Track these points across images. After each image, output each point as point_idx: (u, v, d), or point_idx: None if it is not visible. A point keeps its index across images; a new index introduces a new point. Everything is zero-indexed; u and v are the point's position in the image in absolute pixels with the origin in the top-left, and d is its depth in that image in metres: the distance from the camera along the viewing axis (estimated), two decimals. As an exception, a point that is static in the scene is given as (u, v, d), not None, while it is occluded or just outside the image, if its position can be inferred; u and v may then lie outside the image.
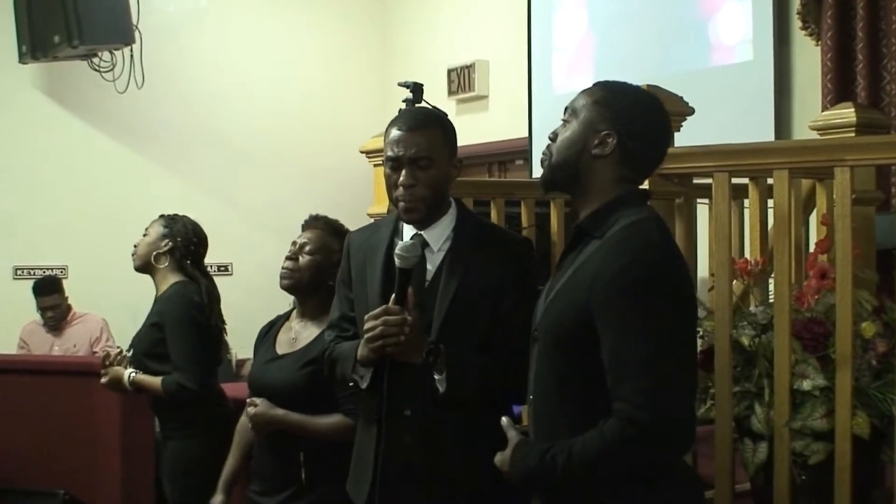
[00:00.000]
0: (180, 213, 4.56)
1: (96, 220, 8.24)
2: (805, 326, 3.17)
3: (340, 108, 9.21)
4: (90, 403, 5.83)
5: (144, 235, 4.47)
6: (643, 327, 2.34)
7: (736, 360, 3.26)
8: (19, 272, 7.95)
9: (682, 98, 3.61)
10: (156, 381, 4.22)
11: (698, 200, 3.80)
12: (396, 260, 2.88)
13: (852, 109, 3.49)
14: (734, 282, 3.42)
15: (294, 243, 3.71)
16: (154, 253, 4.40)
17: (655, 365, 2.33)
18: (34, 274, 7.71)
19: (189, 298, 4.30)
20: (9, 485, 5.69)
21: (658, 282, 2.38)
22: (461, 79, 8.61)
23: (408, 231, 3.05)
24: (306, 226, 3.76)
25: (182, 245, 4.42)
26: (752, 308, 3.41)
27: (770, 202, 3.51)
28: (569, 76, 7.46)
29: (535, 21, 7.90)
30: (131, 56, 7.85)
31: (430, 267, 3.02)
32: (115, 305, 7.21)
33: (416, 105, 4.48)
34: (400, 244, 2.93)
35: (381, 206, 4.02)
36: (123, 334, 5.78)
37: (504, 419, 2.62)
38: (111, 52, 7.88)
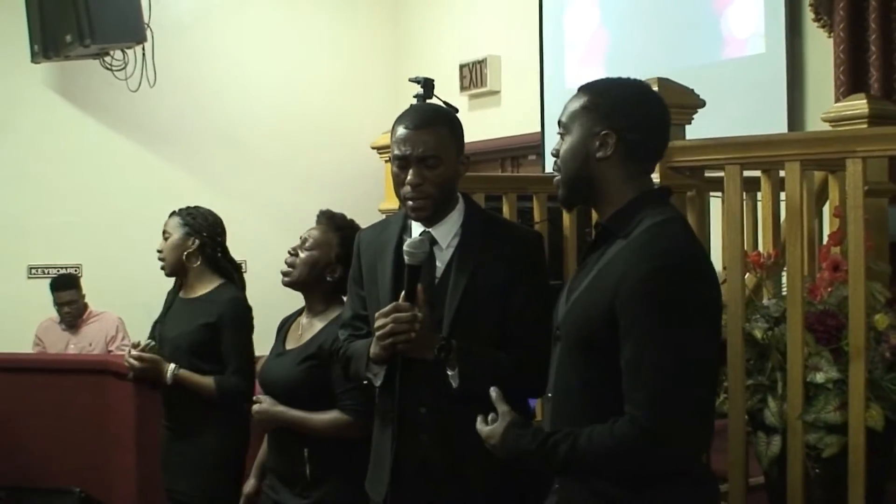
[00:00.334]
0: (191, 206, 4.50)
1: (110, 218, 8.27)
2: (818, 319, 3.16)
3: (352, 105, 9.21)
4: (105, 402, 5.87)
5: (165, 237, 4.38)
6: (664, 333, 2.33)
7: (749, 353, 3.25)
8: (34, 271, 7.98)
9: (692, 91, 3.59)
10: (206, 380, 4.19)
11: (711, 194, 3.79)
12: (405, 257, 2.89)
13: (865, 101, 3.48)
14: (747, 275, 3.41)
15: (300, 238, 3.73)
16: (184, 254, 4.33)
17: (672, 373, 2.32)
18: (48, 273, 7.73)
19: (243, 302, 4.28)
20: (25, 483, 5.71)
21: (683, 288, 2.36)
22: (473, 74, 8.60)
23: (416, 228, 3.06)
24: (317, 221, 3.78)
25: (209, 238, 4.35)
26: (764, 301, 3.40)
27: (782, 195, 3.50)
28: (581, 70, 7.44)
29: (547, 16, 7.89)
30: (143, 54, 7.87)
31: (440, 264, 3.02)
32: (130, 304, 7.21)
33: (426, 101, 4.46)
34: (408, 241, 2.93)
35: (393, 202, 4.00)
36: (139, 332, 5.79)
37: (493, 390, 2.62)
38: (123, 51, 7.89)
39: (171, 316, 4.42)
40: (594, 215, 3.77)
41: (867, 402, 2.98)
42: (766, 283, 3.46)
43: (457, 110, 3.58)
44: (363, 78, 9.39)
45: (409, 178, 2.96)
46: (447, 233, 3.04)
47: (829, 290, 3.25)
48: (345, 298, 3.83)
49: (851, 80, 5.56)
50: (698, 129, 3.63)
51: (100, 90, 8.22)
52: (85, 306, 7.39)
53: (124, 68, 7.94)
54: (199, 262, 4.34)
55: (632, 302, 2.35)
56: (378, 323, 2.89)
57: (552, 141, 2.66)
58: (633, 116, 2.51)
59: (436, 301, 2.96)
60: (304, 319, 3.79)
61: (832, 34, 5.74)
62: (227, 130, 8.79)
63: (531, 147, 8.10)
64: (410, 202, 2.99)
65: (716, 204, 3.76)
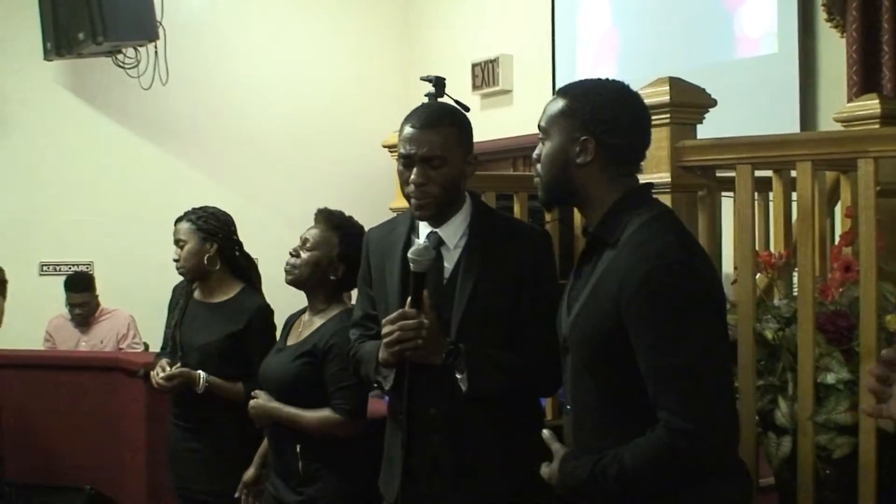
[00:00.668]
0: (198, 207, 4.42)
1: (122, 215, 8.28)
2: (829, 319, 3.15)
3: (364, 103, 9.21)
4: (116, 399, 5.87)
5: (180, 245, 4.30)
6: (677, 333, 2.32)
7: (760, 353, 3.25)
8: (45, 268, 7.99)
9: (704, 90, 3.58)
10: (236, 386, 4.15)
11: (723, 194, 3.78)
12: (410, 264, 2.87)
13: (877, 101, 3.48)
14: (758, 275, 3.40)
15: (300, 238, 3.74)
16: (205, 258, 4.26)
17: (695, 370, 2.31)
18: (60, 270, 7.74)
19: (268, 308, 4.24)
20: (35, 479, 5.72)
21: (684, 284, 2.35)
22: (485, 73, 8.60)
23: (424, 228, 3.05)
24: (315, 220, 3.79)
25: (225, 239, 4.30)
26: (775, 301, 3.40)
27: (794, 194, 3.49)
28: (593, 70, 7.43)
29: (559, 15, 7.89)
30: (155, 52, 7.87)
31: (447, 265, 3.01)
32: (141, 301, 7.22)
33: (437, 100, 4.46)
34: (413, 247, 2.92)
35: (403, 200, 4.01)
36: (150, 330, 5.81)
37: (546, 432, 2.60)
38: (135, 49, 7.89)
39: (192, 321, 4.35)
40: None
41: (878, 403, 2.97)
42: (778, 284, 3.46)
43: (468, 109, 3.58)
44: (375, 77, 9.39)
45: (412, 177, 2.95)
46: (454, 233, 3.02)
47: (841, 290, 3.24)
48: (348, 296, 3.85)
49: (864, 80, 5.55)
50: (710, 128, 3.62)
51: (112, 88, 8.23)
52: (97, 305, 7.39)
53: (137, 66, 7.94)
54: (219, 266, 4.29)
55: (637, 306, 2.34)
56: (385, 330, 2.89)
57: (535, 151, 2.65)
58: (611, 120, 2.49)
59: (443, 302, 2.95)
60: (305, 317, 3.82)
61: (845, 34, 5.73)
62: (238, 128, 8.80)
63: (543, 146, 8.08)
64: (414, 201, 2.98)
65: (727, 204, 3.75)
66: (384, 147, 4.51)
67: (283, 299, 3.94)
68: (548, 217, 4.26)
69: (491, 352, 2.94)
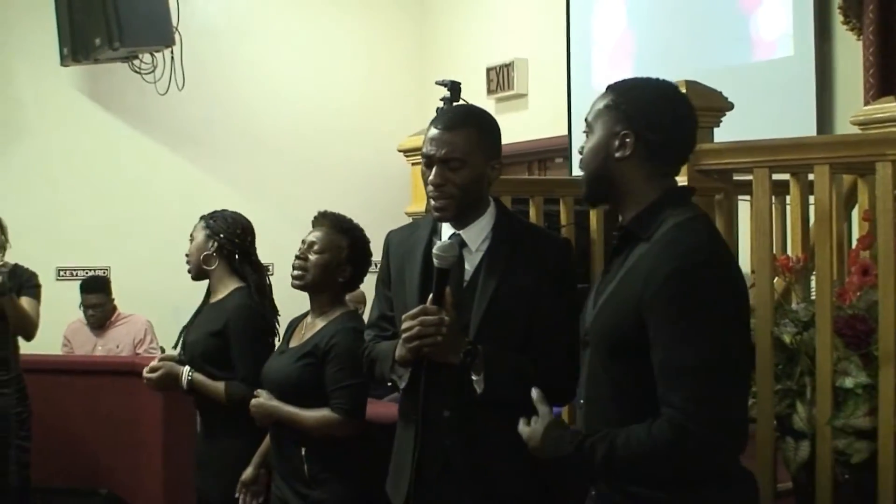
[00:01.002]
0: (219, 210, 4.46)
1: (139, 220, 8.30)
2: (847, 323, 3.14)
3: (379, 108, 9.22)
4: (133, 403, 5.89)
5: (191, 240, 4.38)
6: (695, 333, 2.32)
7: (777, 357, 3.24)
8: (62, 273, 8.01)
9: (721, 93, 3.58)
10: (217, 385, 4.16)
11: (739, 197, 3.77)
12: (434, 260, 2.88)
13: (895, 104, 3.46)
14: (775, 279, 3.39)
15: (303, 242, 3.75)
16: (202, 255, 4.30)
17: (707, 372, 2.31)
18: (77, 275, 7.76)
19: (253, 309, 4.22)
20: (52, 483, 5.74)
21: (710, 285, 2.35)
22: (500, 77, 8.60)
23: (446, 230, 3.05)
24: (315, 223, 3.82)
25: (227, 240, 4.30)
26: (793, 305, 3.38)
27: (811, 198, 3.48)
28: (608, 73, 7.42)
29: (574, 18, 7.88)
30: (172, 58, 7.89)
31: (469, 267, 3.01)
32: (158, 306, 7.24)
33: (451, 104, 4.45)
34: (438, 244, 2.93)
35: (419, 204, 4.02)
36: (167, 335, 5.81)
37: (535, 391, 2.60)
38: (152, 54, 7.91)
39: (197, 321, 4.41)
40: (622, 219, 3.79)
41: (897, 408, 2.96)
42: (795, 288, 3.44)
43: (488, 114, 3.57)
44: (389, 81, 9.40)
45: (431, 177, 2.96)
46: (477, 236, 3.03)
47: (859, 294, 3.23)
48: (349, 298, 3.87)
49: (881, 83, 5.53)
50: (726, 131, 3.62)
51: (128, 93, 8.26)
52: (113, 309, 7.41)
53: (153, 71, 7.96)
54: (216, 265, 4.31)
55: (659, 302, 2.34)
56: (405, 325, 2.89)
57: (579, 143, 2.66)
58: (654, 117, 2.50)
59: (463, 304, 2.95)
60: (308, 319, 3.84)
61: (861, 37, 5.71)
62: (254, 133, 8.82)
63: (558, 150, 8.09)
64: (432, 202, 2.99)
65: (744, 207, 3.74)
66: (399, 151, 4.51)
67: (296, 303, 3.94)
68: (564, 221, 4.26)
69: (509, 355, 2.94)
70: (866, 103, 5.24)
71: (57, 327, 7.34)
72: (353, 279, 3.82)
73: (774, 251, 3.52)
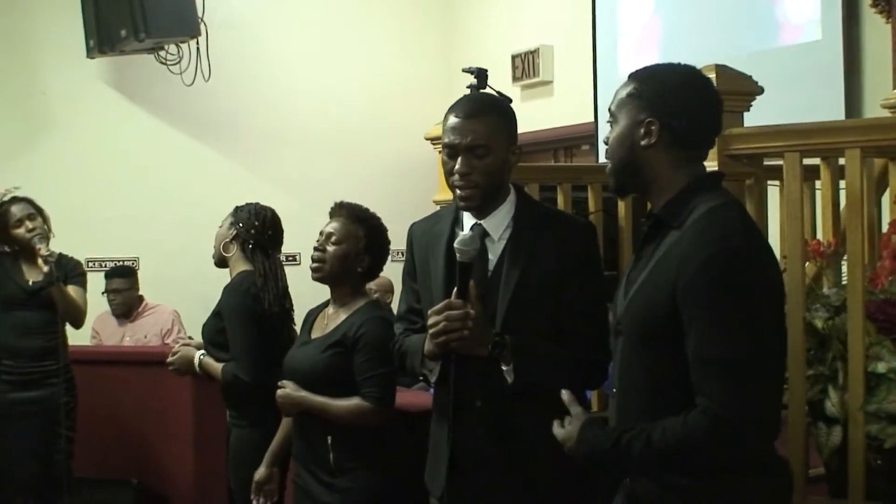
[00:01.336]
0: (251, 202, 4.56)
1: (166, 211, 8.33)
2: (879, 308, 3.13)
3: (405, 96, 9.21)
4: (162, 393, 5.91)
5: (219, 228, 4.50)
6: (730, 321, 2.31)
7: (809, 342, 3.23)
8: (91, 264, 8.00)
9: (750, 77, 3.56)
10: (218, 367, 4.28)
11: (768, 182, 3.76)
12: (456, 254, 2.88)
13: (926, 87, 3.44)
14: (807, 264, 3.38)
15: (321, 233, 3.76)
16: (222, 243, 4.43)
17: (742, 361, 2.30)
18: (105, 266, 7.79)
19: (246, 289, 4.30)
20: (82, 474, 5.77)
21: (744, 273, 2.33)
22: (525, 65, 8.57)
23: (468, 220, 3.05)
24: (332, 214, 3.83)
25: (243, 230, 4.40)
26: (825, 290, 3.37)
27: (841, 183, 3.46)
28: (635, 59, 7.39)
29: (600, 4, 7.85)
30: (197, 49, 7.91)
31: (492, 257, 3.01)
32: (186, 297, 7.27)
33: (478, 91, 4.45)
34: (458, 238, 2.92)
35: (446, 192, 4.00)
36: (195, 326, 5.83)
37: (565, 393, 2.60)
38: (177, 46, 7.93)
39: None
40: (649, 206, 3.77)
41: (930, 392, 2.95)
42: (826, 273, 3.43)
43: (510, 100, 3.57)
44: (416, 70, 9.39)
45: (457, 166, 2.95)
46: (499, 225, 3.02)
47: (890, 278, 3.22)
48: (375, 286, 3.87)
49: (910, 66, 5.50)
50: (754, 116, 3.60)
51: (155, 85, 8.27)
52: (140, 299, 7.45)
53: (179, 62, 7.97)
54: (233, 253, 4.42)
55: (693, 291, 2.32)
56: (430, 321, 2.89)
57: (605, 130, 2.64)
58: (677, 103, 2.49)
59: (489, 294, 2.95)
60: (330, 310, 3.85)
61: (890, 20, 5.68)
62: (280, 123, 8.82)
63: (584, 137, 8.07)
64: (459, 191, 2.98)
65: (772, 192, 3.72)
66: (426, 139, 4.52)
67: (324, 292, 3.95)
68: (592, 208, 4.25)
69: (537, 343, 2.94)
70: (895, 87, 5.21)
71: (87, 318, 7.37)
72: (372, 269, 3.83)
73: (805, 236, 3.50)
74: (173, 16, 7.42)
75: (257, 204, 4.51)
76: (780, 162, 3.38)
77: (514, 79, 8.58)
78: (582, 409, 2.56)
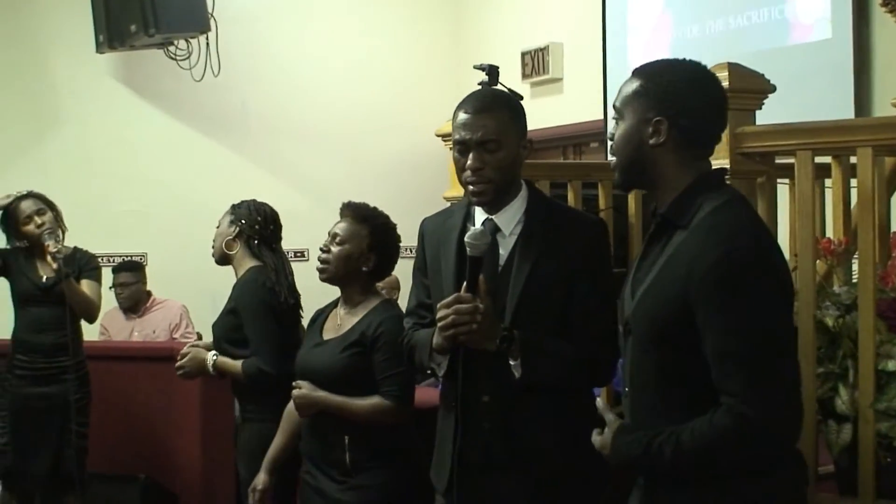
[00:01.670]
0: (248, 199, 4.58)
1: (175, 207, 8.34)
2: (890, 306, 3.14)
3: (415, 93, 9.21)
4: (171, 389, 5.92)
5: (217, 227, 4.51)
6: (747, 319, 2.30)
7: (820, 340, 3.24)
8: (99, 259, 8.05)
9: (763, 76, 3.57)
10: (236, 364, 4.27)
11: (777, 181, 3.76)
12: (467, 248, 2.88)
13: (937, 86, 3.44)
14: (817, 262, 3.38)
15: (329, 234, 3.78)
16: (225, 241, 4.43)
17: (761, 358, 2.30)
18: (113, 261, 7.80)
19: (262, 283, 4.33)
20: (90, 469, 5.78)
21: (757, 269, 2.33)
22: (535, 62, 8.56)
23: (479, 216, 3.06)
24: (340, 214, 3.84)
25: (247, 226, 4.43)
26: (835, 288, 3.38)
27: (852, 181, 3.47)
28: (644, 57, 7.28)
29: (610, 2, 7.83)
30: (207, 44, 7.92)
31: (503, 252, 3.02)
32: (195, 292, 7.28)
33: (484, 87, 4.46)
34: (469, 232, 2.92)
35: (457, 189, 4.02)
36: (203, 321, 5.85)
37: (600, 401, 2.60)
38: (187, 41, 7.94)
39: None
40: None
41: (941, 391, 2.96)
42: (837, 271, 3.44)
43: (521, 97, 3.58)
44: (425, 66, 9.39)
45: (469, 162, 2.96)
46: (510, 220, 3.03)
47: (901, 276, 3.22)
48: (382, 284, 3.88)
49: (920, 66, 5.50)
50: (763, 115, 3.60)
51: (164, 80, 8.28)
52: (147, 294, 7.47)
53: (188, 58, 7.99)
54: (236, 250, 4.43)
55: (707, 290, 2.32)
56: (439, 314, 2.89)
57: (610, 129, 2.64)
58: (685, 101, 2.47)
59: (498, 289, 2.95)
60: (341, 311, 3.85)
61: (900, 19, 5.67)
62: (289, 119, 8.83)
63: (593, 134, 8.07)
64: (471, 186, 2.99)
65: (782, 191, 3.73)
66: (437, 136, 4.53)
67: (332, 289, 3.95)
68: (602, 205, 4.26)
69: (546, 339, 2.94)
70: (905, 86, 5.21)
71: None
72: (380, 267, 3.83)
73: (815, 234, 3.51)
74: (183, 11, 7.43)
75: (254, 200, 4.54)
76: (790, 160, 3.39)
77: (524, 76, 8.57)
78: (615, 415, 2.54)
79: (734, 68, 3.42)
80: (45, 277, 5.52)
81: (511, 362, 2.90)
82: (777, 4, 6.61)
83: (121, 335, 7.29)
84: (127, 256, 7.95)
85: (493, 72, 4.45)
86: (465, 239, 2.89)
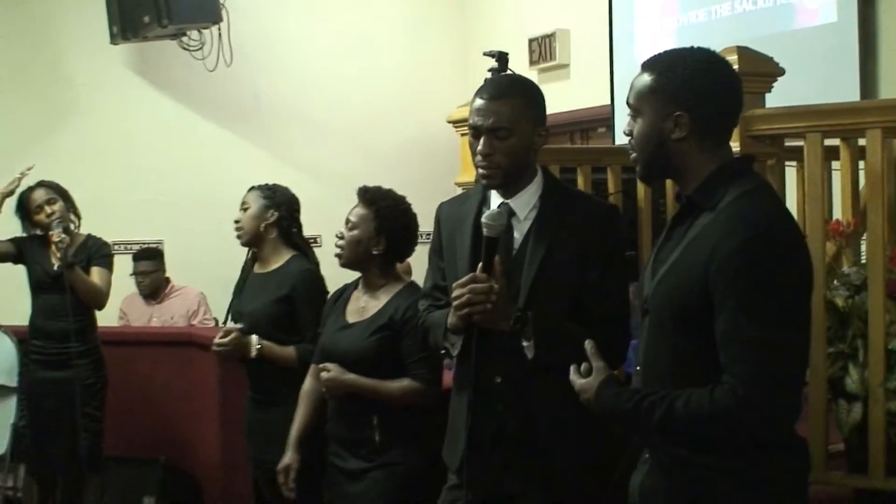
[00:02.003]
0: (271, 183, 4.61)
1: (190, 195, 8.37)
2: (900, 286, 3.16)
3: (424, 80, 9.22)
4: (190, 373, 5.98)
5: (244, 209, 4.49)
6: (761, 305, 2.30)
7: (830, 320, 3.25)
8: (116, 247, 8.02)
9: (772, 59, 3.58)
10: (287, 350, 4.31)
11: (786, 163, 3.79)
12: (483, 228, 2.91)
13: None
14: (827, 243, 3.42)
15: (345, 220, 3.85)
16: (262, 225, 4.44)
17: (772, 345, 2.29)
18: (131, 249, 7.84)
19: (316, 273, 4.40)
20: (110, 452, 5.84)
21: (777, 257, 2.33)
22: (542, 48, 8.57)
23: (495, 200, 3.08)
24: (358, 200, 3.89)
25: (287, 214, 4.47)
26: (845, 269, 3.40)
27: (860, 163, 3.49)
28: (651, 43, 7.39)
29: (616, -13, 7.85)
30: (219, 34, 7.96)
31: (517, 235, 3.04)
32: (210, 279, 7.31)
33: (499, 74, 4.48)
34: (486, 213, 2.95)
35: (468, 175, 4.04)
36: (220, 307, 5.90)
37: (589, 343, 2.59)
38: (199, 31, 7.98)
39: (247, 290, 4.54)
40: (668, 186, 3.80)
41: (950, 369, 2.98)
42: (846, 252, 3.46)
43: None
44: (433, 53, 9.40)
45: (479, 147, 2.99)
46: (525, 204, 3.06)
47: (911, 257, 3.24)
48: (399, 267, 3.92)
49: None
50: (769, 98, 3.62)
51: (177, 70, 8.32)
52: (166, 281, 7.52)
53: (201, 48, 8.04)
54: (274, 235, 4.46)
55: (726, 274, 2.32)
56: (455, 293, 2.92)
57: (622, 113, 2.65)
58: (703, 92, 2.46)
59: (513, 272, 2.98)
60: (362, 294, 3.89)
61: (905, 2, 5.69)
62: (302, 108, 8.85)
63: (601, 120, 8.08)
64: (480, 171, 3.02)
65: (789, 173, 3.75)
66: (448, 122, 4.55)
67: (345, 274, 4.01)
68: (611, 189, 4.28)
69: (559, 321, 2.96)
70: (911, 69, 5.23)
71: (113, 300, 7.40)
72: (393, 249, 3.86)
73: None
74: (195, 2, 7.46)
75: (285, 187, 4.58)
76: (798, 143, 3.41)
77: (531, 62, 8.58)
78: (604, 364, 2.54)
79: (743, 52, 3.43)
80: (55, 266, 5.57)
81: (524, 343, 2.92)
82: (783, -11, 6.62)
83: (140, 321, 7.34)
84: (144, 244, 7.97)
85: (502, 58, 4.45)
86: (483, 219, 2.92)
